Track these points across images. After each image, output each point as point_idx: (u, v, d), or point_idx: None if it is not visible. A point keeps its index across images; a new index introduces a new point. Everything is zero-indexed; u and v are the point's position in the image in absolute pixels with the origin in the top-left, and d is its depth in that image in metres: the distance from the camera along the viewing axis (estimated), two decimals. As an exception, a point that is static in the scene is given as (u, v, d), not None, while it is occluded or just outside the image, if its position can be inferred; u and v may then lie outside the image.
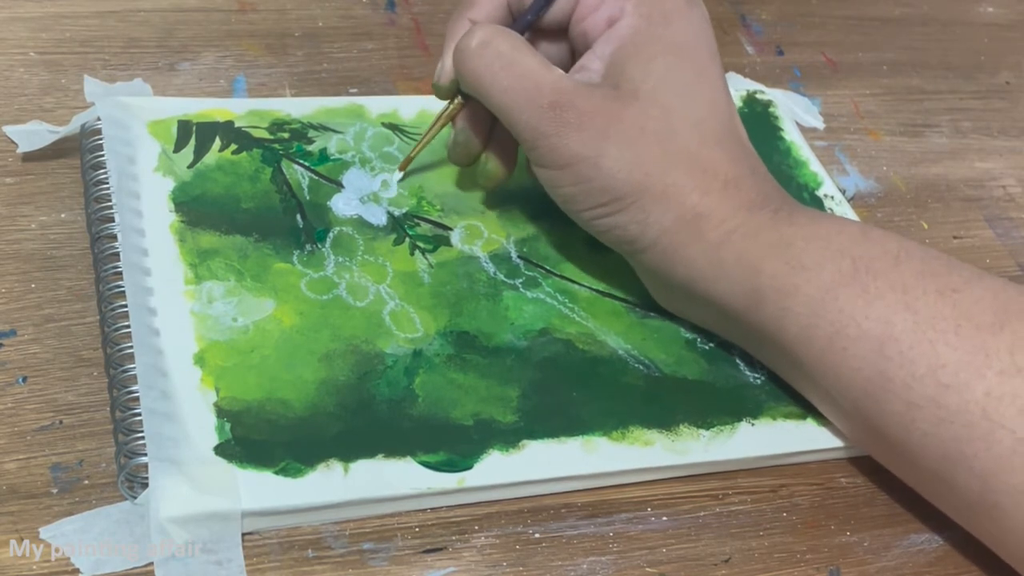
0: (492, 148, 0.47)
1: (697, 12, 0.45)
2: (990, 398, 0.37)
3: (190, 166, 0.47)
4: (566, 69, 0.44)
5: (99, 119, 0.47)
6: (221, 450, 0.37)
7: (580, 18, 0.45)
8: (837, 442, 0.43)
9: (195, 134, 0.48)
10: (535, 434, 0.41)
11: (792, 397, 0.44)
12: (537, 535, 0.39)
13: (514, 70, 0.42)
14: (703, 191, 0.42)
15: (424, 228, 0.47)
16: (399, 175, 0.48)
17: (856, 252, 0.40)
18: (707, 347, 0.46)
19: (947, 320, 0.38)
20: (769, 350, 0.43)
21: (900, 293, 0.39)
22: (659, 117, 0.42)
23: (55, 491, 0.36)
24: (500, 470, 0.39)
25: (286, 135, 0.49)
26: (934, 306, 0.39)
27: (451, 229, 0.48)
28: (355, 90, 0.54)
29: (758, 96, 0.59)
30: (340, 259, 0.45)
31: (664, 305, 0.46)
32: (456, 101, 0.46)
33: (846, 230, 0.42)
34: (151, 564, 0.35)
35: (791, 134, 0.58)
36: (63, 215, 0.45)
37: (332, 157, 0.49)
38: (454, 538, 0.38)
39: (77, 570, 0.35)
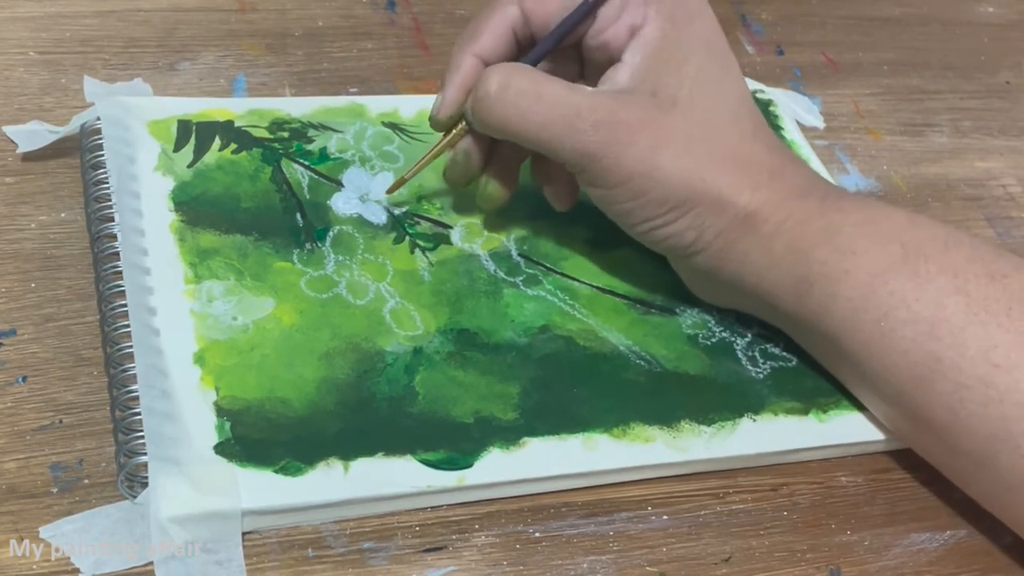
0: (492, 170, 0.46)
1: (708, 7, 0.45)
2: None
3: (190, 165, 0.47)
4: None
5: (99, 119, 0.47)
6: (221, 449, 0.37)
7: (599, 30, 0.44)
8: (838, 439, 0.43)
9: (195, 134, 0.48)
10: (536, 431, 0.41)
11: (794, 393, 0.44)
12: (537, 534, 0.39)
13: (543, 103, 0.41)
14: (753, 187, 0.42)
15: (424, 226, 0.47)
16: (385, 197, 0.48)
17: (905, 237, 0.41)
18: (708, 343, 0.46)
19: (999, 303, 0.39)
20: (813, 337, 0.44)
21: (951, 276, 0.40)
22: (701, 121, 0.42)
23: (55, 491, 0.36)
24: (500, 468, 0.39)
25: (286, 134, 0.49)
26: (985, 289, 0.39)
27: (451, 227, 0.48)
28: (355, 89, 0.54)
29: (758, 96, 0.59)
30: (340, 258, 0.45)
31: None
32: (459, 127, 0.44)
33: (893, 216, 0.42)
34: (151, 564, 0.35)
35: (792, 133, 0.58)
36: (63, 215, 0.45)
37: (332, 156, 0.49)
38: (454, 537, 0.38)
39: (77, 570, 0.35)
